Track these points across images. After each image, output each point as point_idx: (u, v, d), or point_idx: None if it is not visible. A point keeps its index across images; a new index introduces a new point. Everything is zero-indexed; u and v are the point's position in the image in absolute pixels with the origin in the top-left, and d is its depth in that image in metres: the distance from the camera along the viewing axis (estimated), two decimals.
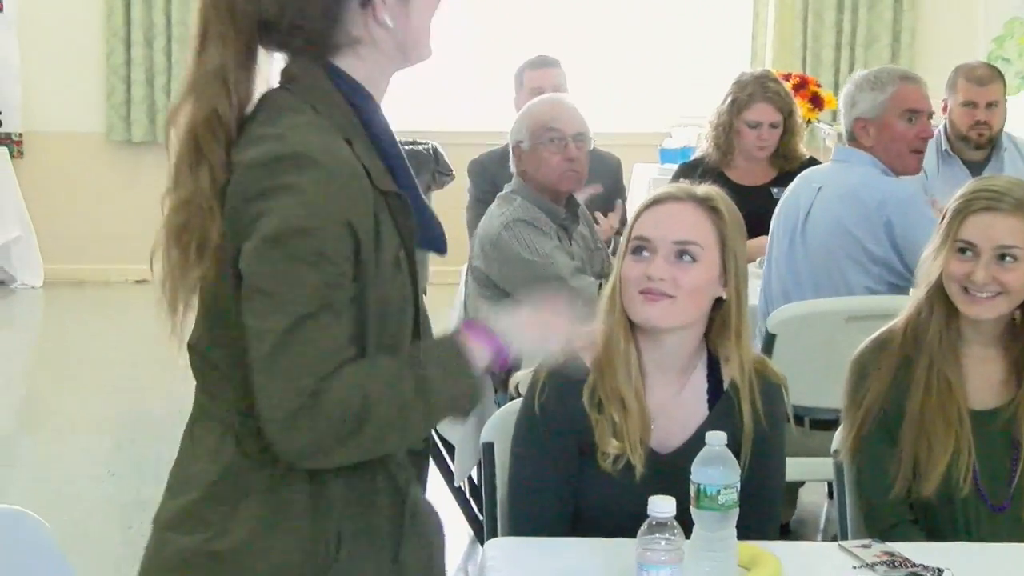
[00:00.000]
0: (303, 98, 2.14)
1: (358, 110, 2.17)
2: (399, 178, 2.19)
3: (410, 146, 9.07)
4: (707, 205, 3.00)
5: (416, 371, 2.11)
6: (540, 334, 2.31)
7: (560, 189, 4.68)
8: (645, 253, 2.97)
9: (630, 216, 3.12)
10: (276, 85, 2.19)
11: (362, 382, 2.06)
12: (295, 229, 2.02)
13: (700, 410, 3.04)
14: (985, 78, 5.86)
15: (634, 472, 2.94)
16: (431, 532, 2.41)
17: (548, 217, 4.55)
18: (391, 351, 2.14)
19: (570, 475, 3.03)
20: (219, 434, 2.19)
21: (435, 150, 9.12)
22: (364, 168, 2.11)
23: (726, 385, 3.06)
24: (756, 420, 3.03)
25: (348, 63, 2.18)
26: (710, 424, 2.96)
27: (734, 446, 2.81)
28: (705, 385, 3.07)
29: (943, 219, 3.16)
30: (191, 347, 2.23)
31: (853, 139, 4.79)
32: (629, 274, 2.97)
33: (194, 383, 2.27)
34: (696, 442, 2.86)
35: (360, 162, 2.10)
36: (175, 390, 6.48)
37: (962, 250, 3.10)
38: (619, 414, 2.96)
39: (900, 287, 4.55)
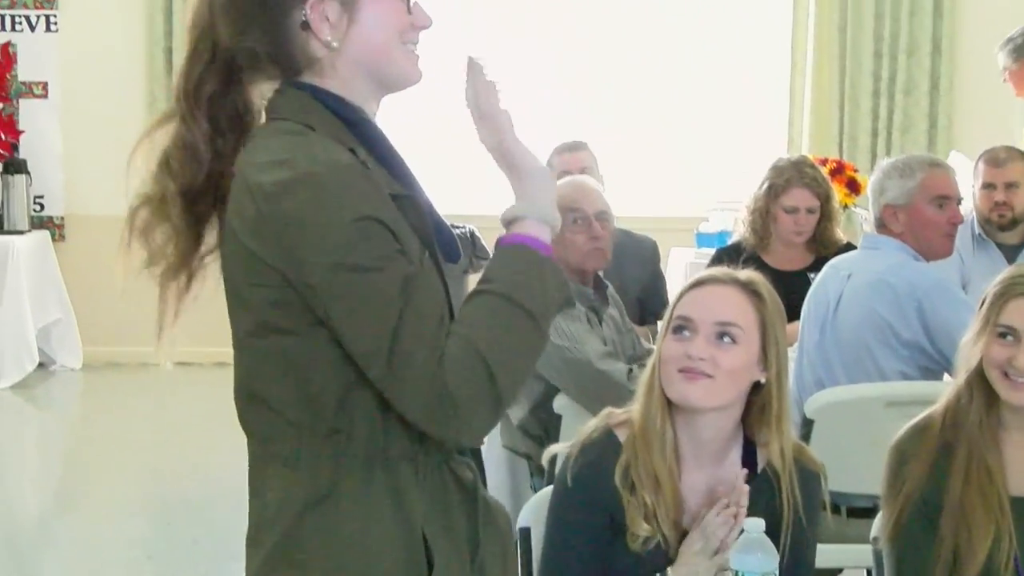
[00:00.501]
0: (297, 120, 2.19)
1: (349, 123, 2.22)
2: (404, 182, 2.25)
3: (450, 230, 9.12)
4: (749, 289, 3.01)
5: (498, 293, 2.18)
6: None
7: (587, 268, 4.67)
8: (686, 333, 2.97)
9: (671, 298, 3.13)
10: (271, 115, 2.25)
11: (466, 337, 2.12)
12: (343, 251, 2.06)
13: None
14: (1003, 159, 5.85)
15: (665, 554, 2.95)
16: (504, 531, 2.45)
17: (577, 300, 4.54)
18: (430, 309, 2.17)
19: (600, 550, 3.01)
20: (283, 475, 2.21)
21: (472, 234, 9.16)
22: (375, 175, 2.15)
23: (760, 469, 3.05)
24: (793, 508, 3.01)
25: (324, 83, 2.23)
26: (750, 505, 2.96)
27: (769, 532, 2.82)
28: (740, 470, 3.04)
29: (983, 304, 3.15)
30: (237, 395, 2.26)
31: (883, 226, 4.78)
32: (669, 353, 2.97)
33: (233, 460, 2.29)
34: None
35: (366, 167, 2.14)
36: (213, 473, 6.51)
37: (1003, 335, 3.08)
38: (652, 495, 2.95)
39: (932, 370, 4.54)
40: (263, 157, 2.15)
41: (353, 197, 2.08)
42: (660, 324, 3.12)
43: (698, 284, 3.06)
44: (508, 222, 2.32)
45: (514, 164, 2.41)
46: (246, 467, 2.34)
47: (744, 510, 2.91)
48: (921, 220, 4.72)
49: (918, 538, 3.16)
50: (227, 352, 2.32)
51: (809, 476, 3.11)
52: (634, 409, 3.01)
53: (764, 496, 3.03)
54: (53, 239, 9.91)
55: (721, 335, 2.94)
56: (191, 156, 2.26)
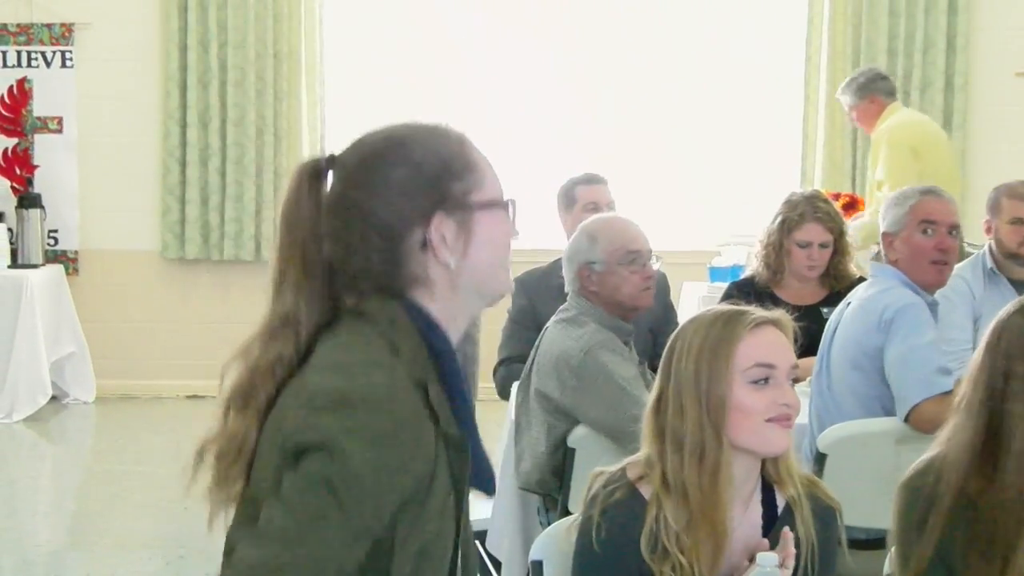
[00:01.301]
0: (382, 333, 2.15)
1: (433, 350, 2.18)
2: (463, 421, 2.19)
3: None
4: (788, 329, 3.02)
5: None
6: None
7: (639, 306, 4.63)
8: (769, 381, 2.94)
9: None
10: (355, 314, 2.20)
11: None
12: (348, 475, 2.01)
13: (756, 535, 2.99)
14: None
15: None
16: None
17: (618, 334, 4.51)
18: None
19: None
20: None
21: None
22: (434, 412, 2.11)
23: (781, 508, 3.03)
24: (809, 542, 3.00)
25: (422, 300, 2.20)
26: (769, 548, 2.93)
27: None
28: (760, 510, 3.03)
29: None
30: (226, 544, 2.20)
31: (886, 254, 4.80)
32: (755, 405, 2.91)
33: None
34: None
35: (432, 406, 2.11)
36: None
37: None
38: (690, 552, 2.88)
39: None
40: (333, 356, 2.14)
41: (388, 464, 2.03)
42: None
43: (757, 326, 2.98)
44: None
45: None
46: None
47: (792, 557, 2.88)
48: (910, 246, 4.71)
49: None
50: None
51: (825, 511, 3.10)
52: (669, 465, 2.91)
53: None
54: (67, 273, 9.93)
55: (792, 379, 2.95)
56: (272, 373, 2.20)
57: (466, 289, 2.23)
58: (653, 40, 10.14)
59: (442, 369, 2.18)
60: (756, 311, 3.04)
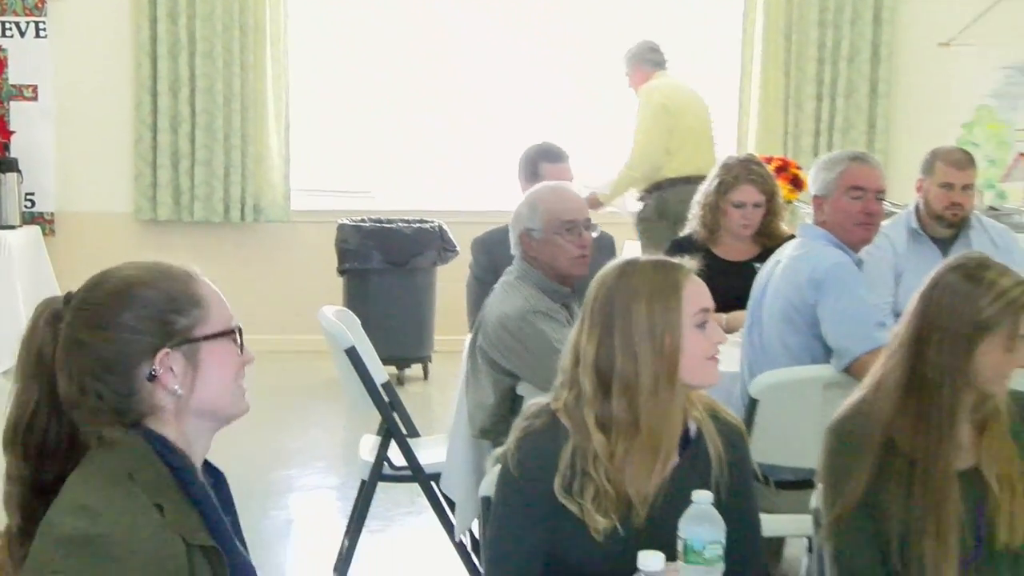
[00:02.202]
0: (121, 464, 2.20)
1: (174, 471, 2.23)
2: (213, 530, 2.25)
3: (418, 224, 9.15)
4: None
5: None
6: None
7: (573, 274, 4.65)
8: (707, 323, 2.99)
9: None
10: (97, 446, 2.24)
11: None
12: None
13: (673, 456, 3.02)
14: (963, 163, 5.87)
15: (627, 542, 2.90)
16: None
17: (554, 298, 4.54)
18: None
19: (544, 537, 2.98)
20: None
21: (440, 229, 9.19)
22: (179, 526, 2.17)
23: (693, 432, 3.06)
24: (720, 461, 3.04)
25: (160, 427, 2.25)
26: (683, 468, 3.00)
27: (704, 485, 2.90)
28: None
29: (990, 318, 3.10)
30: None
31: (815, 217, 4.84)
32: (699, 345, 2.96)
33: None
34: (670, 485, 2.95)
35: (173, 525, 2.16)
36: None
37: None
38: (611, 490, 2.92)
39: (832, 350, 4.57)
40: (77, 497, 2.17)
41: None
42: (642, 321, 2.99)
43: (691, 275, 3.03)
44: None
45: None
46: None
47: None
48: (838, 209, 4.75)
49: (861, 536, 3.15)
50: None
51: (731, 430, 3.14)
52: (642, 401, 2.93)
53: (701, 459, 3.05)
54: (44, 234, 9.89)
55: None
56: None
57: (199, 413, 2.29)
58: (601, 20, 10.13)
59: (186, 488, 2.24)
60: (685, 261, 3.09)
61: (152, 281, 2.29)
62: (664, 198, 8.18)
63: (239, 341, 2.35)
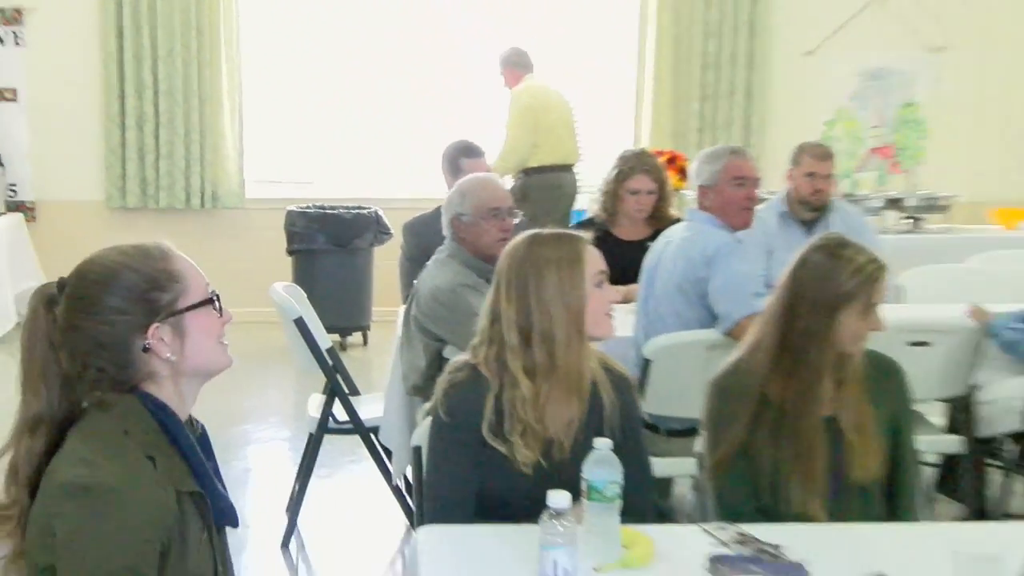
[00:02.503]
0: (117, 423, 2.21)
1: (166, 427, 2.25)
2: (199, 477, 2.27)
3: (356, 210, 9.13)
4: None
5: None
6: None
7: (496, 254, 4.65)
8: (603, 284, 3.08)
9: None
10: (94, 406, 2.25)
11: None
12: (106, 563, 2.08)
13: (582, 402, 3.09)
14: (824, 155, 5.94)
15: (533, 467, 2.99)
16: None
17: (479, 273, 4.55)
18: None
19: (472, 475, 3.03)
20: None
21: (377, 214, 9.18)
22: (169, 474, 2.19)
23: (587, 384, 3.09)
24: (613, 405, 3.11)
25: (154, 389, 2.26)
26: (587, 417, 3.06)
27: (601, 425, 3.01)
28: None
29: (849, 289, 3.17)
30: None
31: (700, 203, 4.88)
32: (600, 303, 3.05)
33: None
34: (577, 431, 3.03)
35: (164, 474, 2.18)
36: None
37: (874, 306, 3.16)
38: (535, 426, 3.00)
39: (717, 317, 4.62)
40: (78, 450, 2.19)
41: (134, 522, 2.11)
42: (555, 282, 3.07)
43: (588, 244, 3.12)
44: None
45: None
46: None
47: None
48: (723, 197, 4.78)
49: (737, 476, 3.19)
50: None
51: (619, 379, 3.19)
52: (559, 348, 3.01)
53: (598, 404, 3.10)
54: (26, 220, 9.78)
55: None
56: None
57: (190, 373, 2.31)
58: (516, 28, 10.12)
59: (176, 442, 2.26)
60: (581, 232, 3.21)
61: (133, 265, 2.27)
62: (529, 183, 8.37)
63: (218, 305, 2.36)
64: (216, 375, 2.39)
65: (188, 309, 2.29)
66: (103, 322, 2.23)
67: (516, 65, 8.82)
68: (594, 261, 3.07)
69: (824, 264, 3.17)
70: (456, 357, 3.20)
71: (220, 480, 2.38)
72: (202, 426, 2.45)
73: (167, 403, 2.27)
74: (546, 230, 3.18)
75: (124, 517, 2.10)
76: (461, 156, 6.24)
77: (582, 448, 2.88)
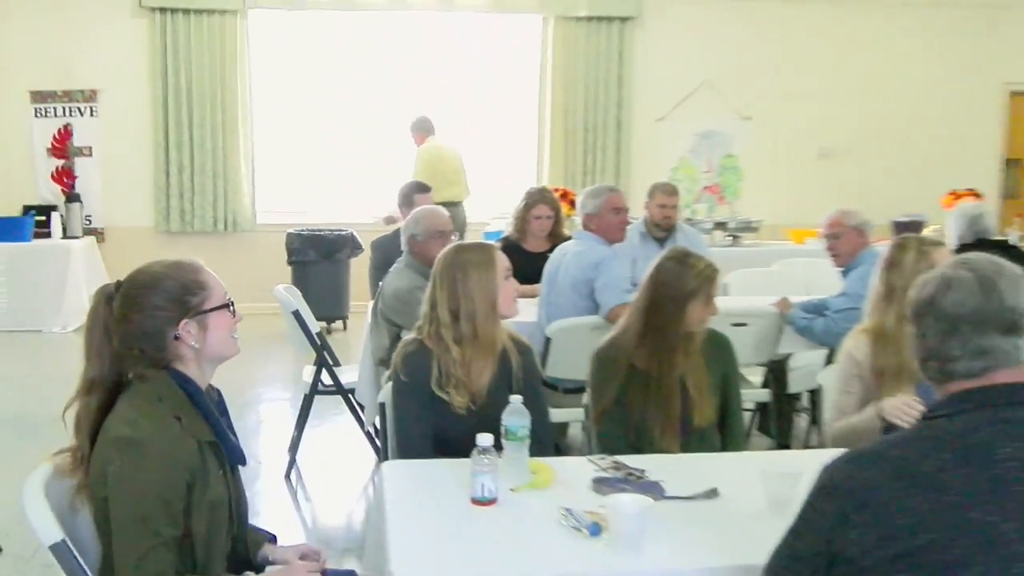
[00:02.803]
0: (153, 391, 2.19)
1: (190, 395, 2.22)
2: (217, 432, 2.25)
3: (337, 232, 9.03)
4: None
5: None
6: None
7: None
8: (509, 277, 3.10)
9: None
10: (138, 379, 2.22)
11: None
12: (137, 511, 2.06)
13: (495, 363, 3.11)
14: (672, 191, 5.97)
15: (478, 413, 3.00)
16: None
17: (429, 280, 4.51)
18: (215, 531, 2.19)
19: (428, 415, 3.04)
20: None
21: (352, 235, 9.09)
22: (192, 429, 2.17)
23: (502, 348, 3.12)
24: (518, 365, 3.12)
25: (181, 367, 2.24)
26: (499, 372, 3.08)
27: (509, 380, 3.04)
28: None
29: (693, 287, 3.16)
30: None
31: (586, 226, 4.88)
32: (508, 293, 3.07)
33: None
34: (494, 383, 3.05)
35: (188, 429, 2.17)
36: None
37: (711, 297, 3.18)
38: (469, 376, 3.03)
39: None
40: (125, 411, 2.16)
41: (167, 463, 2.09)
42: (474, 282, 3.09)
43: (497, 251, 3.14)
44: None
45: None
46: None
47: None
48: (604, 222, 4.81)
49: (614, 423, 3.18)
50: None
51: (522, 345, 3.21)
52: (479, 322, 3.03)
53: (507, 365, 3.11)
54: (97, 241, 9.59)
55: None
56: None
57: (208, 358, 2.28)
58: (445, 81, 10.07)
59: (197, 405, 2.23)
60: (488, 243, 3.23)
61: (172, 274, 2.26)
62: None
63: (232, 309, 2.33)
64: (229, 359, 2.35)
65: (211, 310, 2.27)
66: (147, 316, 2.21)
67: (421, 129, 8.87)
68: (503, 262, 3.12)
69: (676, 270, 3.18)
70: (407, 336, 3.19)
71: (233, 432, 2.35)
72: (218, 392, 2.41)
73: (192, 377, 2.24)
74: (467, 242, 3.25)
75: (156, 462, 2.09)
76: (415, 192, 6.21)
77: (497, 396, 2.94)
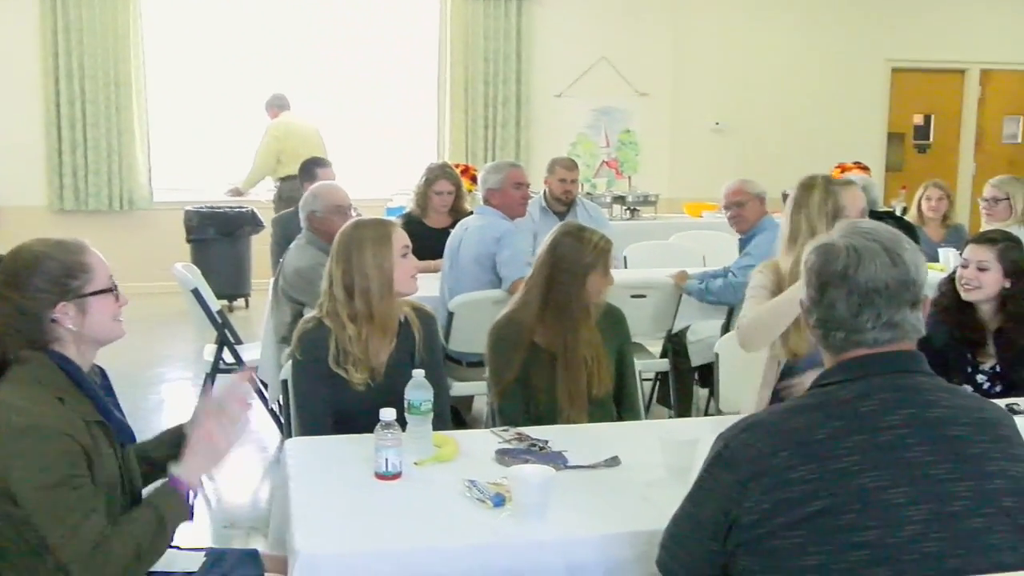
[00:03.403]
0: (31, 374, 2.13)
1: (70, 375, 2.15)
2: (100, 410, 2.18)
3: (237, 209, 8.86)
4: None
5: (156, 512, 2.15)
6: (206, 463, 2.28)
7: None
8: (407, 255, 3.04)
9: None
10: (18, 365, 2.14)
11: (129, 532, 2.08)
12: (50, 480, 2.00)
13: (393, 339, 3.08)
14: (571, 166, 6.00)
15: (376, 389, 2.97)
16: None
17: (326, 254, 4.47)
18: (112, 511, 2.13)
19: (326, 392, 2.99)
20: None
21: (252, 212, 8.92)
22: (77, 409, 2.11)
23: (403, 319, 3.10)
24: (420, 336, 3.10)
25: (59, 348, 2.17)
26: (400, 345, 3.05)
27: (412, 353, 3.01)
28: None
29: (591, 260, 3.19)
30: None
31: (487, 200, 4.88)
32: (405, 271, 3.01)
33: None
34: (394, 358, 3.01)
35: (72, 410, 2.10)
36: None
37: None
38: (366, 354, 2.98)
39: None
40: (7, 396, 2.09)
41: (60, 443, 2.03)
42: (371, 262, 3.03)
43: (396, 228, 3.10)
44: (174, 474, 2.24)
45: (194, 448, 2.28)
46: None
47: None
48: (506, 197, 4.83)
49: (515, 397, 3.19)
50: None
51: (425, 316, 3.19)
52: (374, 300, 2.98)
53: (409, 336, 3.09)
54: None
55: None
56: None
57: (88, 340, 2.21)
58: (344, 57, 9.94)
59: (79, 386, 2.16)
60: (392, 220, 3.19)
61: (54, 254, 2.17)
62: (282, 187, 8.35)
63: (116, 293, 2.24)
64: (113, 342, 2.27)
65: (91, 294, 2.19)
66: (24, 296, 2.13)
67: (274, 105, 8.79)
68: (400, 239, 3.06)
69: (573, 245, 3.20)
70: (307, 314, 3.14)
71: (119, 411, 2.28)
72: (102, 371, 2.34)
73: (71, 358, 2.17)
74: (365, 218, 3.21)
75: (57, 440, 2.03)
76: (315, 167, 6.15)
77: (396, 371, 2.93)
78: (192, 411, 2.37)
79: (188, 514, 2.20)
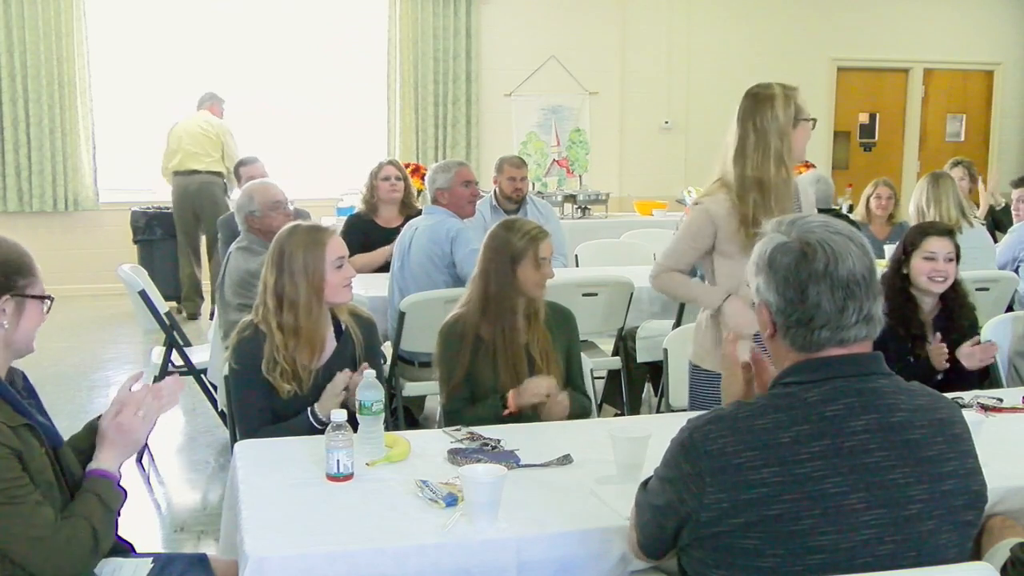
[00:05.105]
0: None
1: None
2: (25, 415, 2.14)
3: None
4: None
5: (96, 497, 2.17)
6: (121, 452, 2.29)
7: None
8: (343, 265, 3.01)
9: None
10: None
11: (79, 514, 2.11)
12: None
13: (332, 343, 3.07)
14: (520, 164, 5.99)
15: (305, 399, 2.99)
16: None
17: None
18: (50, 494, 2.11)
19: (264, 397, 2.98)
20: None
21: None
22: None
23: (343, 327, 3.10)
24: (360, 343, 3.10)
25: None
26: (338, 349, 3.06)
27: (352, 359, 3.01)
28: (332, 328, 3.09)
29: (521, 247, 3.21)
30: None
31: (436, 200, 4.88)
32: (337, 279, 2.98)
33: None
34: (330, 362, 3.02)
35: None
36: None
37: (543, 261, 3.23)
38: (298, 364, 2.96)
39: (461, 280, 4.62)
40: None
41: None
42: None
43: (333, 234, 3.07)
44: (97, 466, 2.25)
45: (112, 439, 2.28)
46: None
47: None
48: (456, 195, 4.83)
49: (464, 393, 3.20)
50: None
51: (366, 321, 3.18)
52: (301, 314, 2.96)
53: (349, 343, 3.09)
54: None
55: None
56: None
57: (11, 345, 2.18)
58: (292, 56, 9.87)
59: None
60: (324, 225, 3.14)
61: (6, 250, 2.17)
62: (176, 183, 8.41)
63: (48, 305, 2.23)
64: (23, 356, 2.24)
65: (33, 297, 2.18)
66: None
67: (211, 101, 8.65)
68: (335, 249, 3.03)
69: (502, 235, 3.27)
70: (244, 318, 3.12)
71: (43, 413, 2.25)
72: (23, 375, 2.29)
73: None
74: (304, 223, 3.17)
75: None
76: (239, 166, 6.11)
77: (330, 380, 2.94)
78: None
79: (123, 495, 2.23)
